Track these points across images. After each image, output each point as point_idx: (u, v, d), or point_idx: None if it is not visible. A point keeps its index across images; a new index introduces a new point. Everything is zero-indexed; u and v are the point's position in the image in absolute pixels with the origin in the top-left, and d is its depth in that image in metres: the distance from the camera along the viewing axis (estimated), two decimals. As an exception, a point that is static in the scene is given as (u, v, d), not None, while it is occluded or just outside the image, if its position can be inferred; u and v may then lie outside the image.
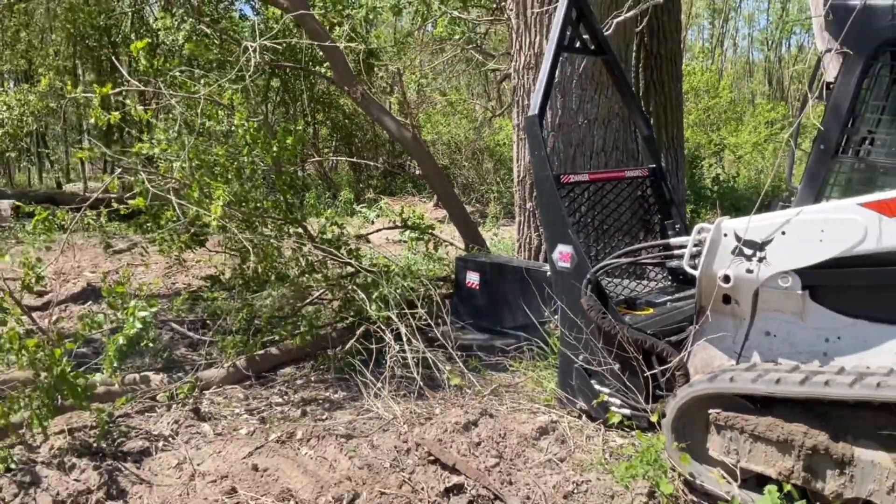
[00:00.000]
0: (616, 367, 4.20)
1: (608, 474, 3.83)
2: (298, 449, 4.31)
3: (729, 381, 3.43)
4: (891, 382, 3.06)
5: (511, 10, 6.50)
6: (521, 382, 5.22)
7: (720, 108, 19.32)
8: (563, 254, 4.36)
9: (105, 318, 4.82)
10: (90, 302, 7.65)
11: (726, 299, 3.77)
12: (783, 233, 3.48)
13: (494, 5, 10.53)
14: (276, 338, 5.72)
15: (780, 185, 13.31)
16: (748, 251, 3.59)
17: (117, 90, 5.40)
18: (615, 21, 4.81)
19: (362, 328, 5.39)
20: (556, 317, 4.77)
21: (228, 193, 5.15)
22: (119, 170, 5.81)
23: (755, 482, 3.45)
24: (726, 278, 3.67)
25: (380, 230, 8.33)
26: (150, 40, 10.64)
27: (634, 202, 5.35)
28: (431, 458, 4.04)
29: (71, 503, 3.67)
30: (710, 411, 3.49)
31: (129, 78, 5.65)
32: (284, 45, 8.68)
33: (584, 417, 4.58)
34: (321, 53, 9.45)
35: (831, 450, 3.16)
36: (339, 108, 19.14)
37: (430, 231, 6.45)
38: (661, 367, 4.08)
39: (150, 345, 5.71)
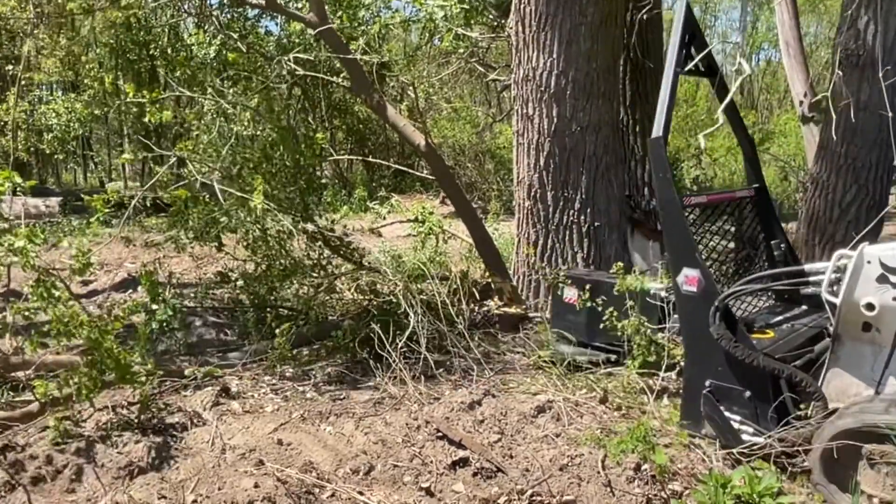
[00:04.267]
0: (747, 394, 3.80)
1: (600, 448, 3.80)
2: (319, 425, 4.29)
3: (883, 412, 3.11)
4: None
5: (511, 28, 6.45)
6: (522, 366, 5.20)
7: (697, 115, 19.21)
8: (689, 277, 3.94)
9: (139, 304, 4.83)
10: (130, 290, 7.63)
11: (866, 327, 3.40)
12: None
13: (495, 23, 10.45)
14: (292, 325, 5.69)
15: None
16: (894, 279, 3.25)
17: (167, 95, 5.43)
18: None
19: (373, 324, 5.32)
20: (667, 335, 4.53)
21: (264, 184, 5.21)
22: (174, 159, 5.80)
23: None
24: (870, 306, 3.31)
25: (392, 223, 8.28)
26: (186, 54, 10.61)
27: (740, 222, 4.90)
28: (439, 434, 4.01)
29: (116, 473, 3.66)
30: (865, 446, 3.15)
31: (177, 87, 5.68)
32: (306, 58, 8.63)
33: (576, 396, 4.55)
34: (339, 65, 9.40)
35: None
36: (353, 115, 19.11)
37: (441, 228, 6.40)
38: (799, 396, 3.70)
39: (177, 328, 5.69)
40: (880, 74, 4.96)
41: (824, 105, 5.65)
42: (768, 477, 3.31)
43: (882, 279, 3.28)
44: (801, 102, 9.09)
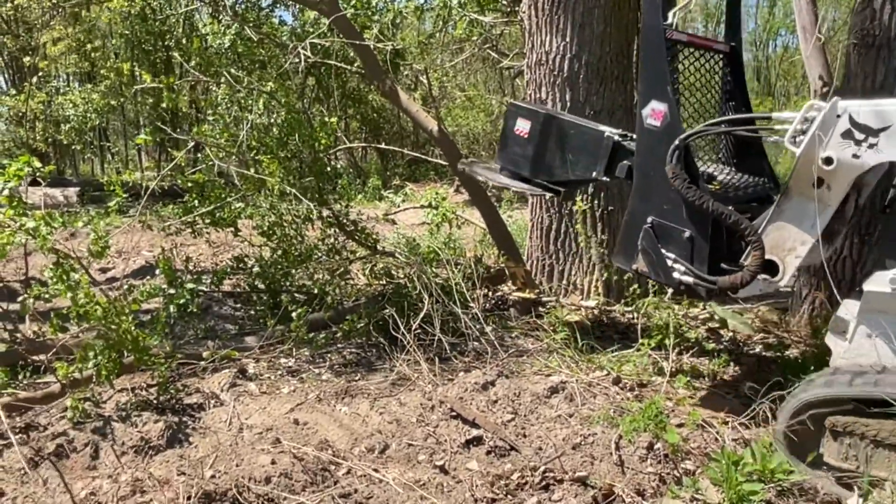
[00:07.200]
0: (686, 234, 3.86)
1: (613, 428, 3.82)
2: (334, 406, 4.35)
3: (848, 385, 3.16)
4: None
5: (524, 13, 6.45)
6: (536, 348, 5.22)
7: (713, 102, 19.07)
8: (655, 111, 3.85)
9: (158, 289, 4.91)
10: (148, 277, 7.72)
11: (819, 182, 3.40)
12: None
13: (508, 9, 10.43)
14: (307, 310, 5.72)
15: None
16: (860, 136, 3.22)
17: (183, 80, 5.53)
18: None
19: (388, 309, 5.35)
20: (604, 178, 4.38)
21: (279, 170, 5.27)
22: (191, 144, 5.89)
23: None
24: (828, 160, 3.30)
25: (406, 209, 8.32)
26: (201, 43, 10.71)
27: (708, 77, 4.54)
28: (453, 413, 4.06)
29: (135, 451, 3.73)
30: (828, 418, 3.18)
31: (191, 70, 5.79)
32: (321, 47, 8.70)
33: (590, 377, 4.58)
34: (352, 53, 9.47)
35: None
36: (367, 104, 19.13)
37: (454, 213, 6.45)
38: (737, 244, 3.78)
39: (195, 311, 5.75)
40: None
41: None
42: (779, 454, 3.33)
43: (847, 134, 3.27)
44: (820, 87, 9.01)
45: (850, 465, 3.15)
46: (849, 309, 3.48)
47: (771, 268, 3.69)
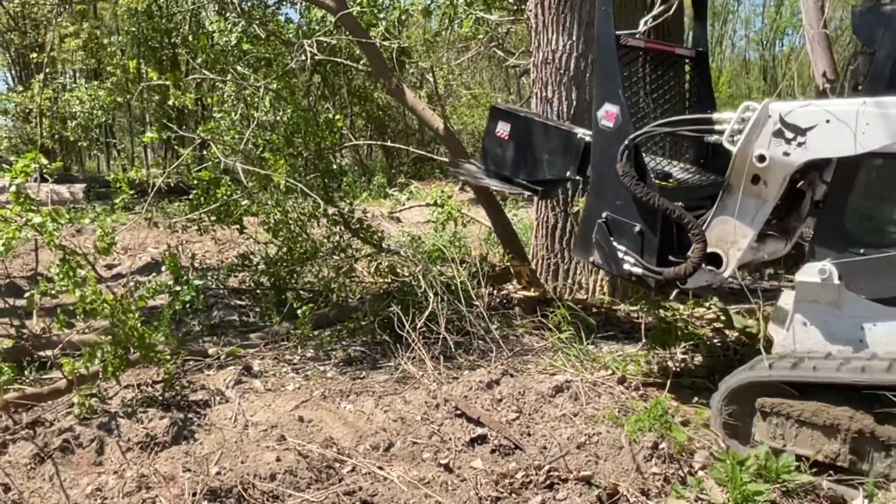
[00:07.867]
0: (636, 228, 4.06)
1: (617, 427, 3.82)
2: (339, 403, 4.35)
3: (768, 368, 3.43)
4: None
5: (530, 11, 6.44)
6: (541, 347, 5.22)
7: (720, 101, 19.01)
8: (608, 113, 4.08)
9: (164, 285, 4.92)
10: (154, 274, 7.74)
11: (755, 179, 3.63)
12: (828, 121, 3.30)
13: (515, 7, 10.41)
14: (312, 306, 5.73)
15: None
16: (789, 135, 3.42)
17: (190, 78, 5.56)
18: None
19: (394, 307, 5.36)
20: (577, 177, 4.63)
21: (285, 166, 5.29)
22: (197, 141, 5.92)
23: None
24: (761, 158, 3.51)
25: (411, 207, 8.32)
26: (207, 41, 10.74)
27: (674, 81, 4.71)
28: (458, 412, 4.06)
29: (141, 447, 3.74)
30: (757, 400, 3.43)
31: (197, 67, 5.82)
32: (327, 44, 8.70)
33: (594, 376, 4.58)
34: (359, 51, 9.47)
35: (877, 433, 3.08)
36: (373, 101, 19.11)
37: (459, 212, 6.44)
38: (684, 238, 3.95)
39: (201, 308, 5.77)
40: None
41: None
42: (786, 455, 3.33)
43: (778, 133, 3.46)
44: (822, 82, 8.97)
45: (777, 443, 3.39)
46: (786, 299, 3.67)
47: (716, 260, 3.87)
